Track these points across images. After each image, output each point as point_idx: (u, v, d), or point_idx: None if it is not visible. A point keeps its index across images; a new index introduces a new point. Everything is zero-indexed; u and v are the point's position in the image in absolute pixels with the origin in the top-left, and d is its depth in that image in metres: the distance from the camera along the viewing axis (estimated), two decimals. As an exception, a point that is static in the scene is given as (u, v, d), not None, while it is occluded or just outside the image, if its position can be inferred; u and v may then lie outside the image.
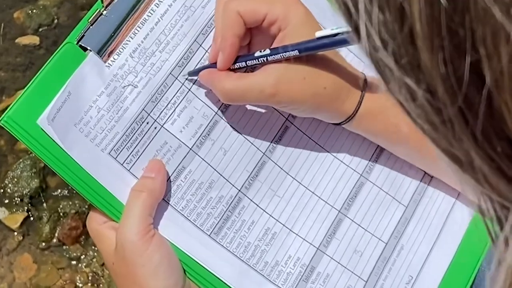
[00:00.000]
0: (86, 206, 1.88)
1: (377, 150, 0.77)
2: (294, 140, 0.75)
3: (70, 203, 1.88)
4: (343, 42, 0.61)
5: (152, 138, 0.69)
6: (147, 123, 0.69)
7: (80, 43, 0.68)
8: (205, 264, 0.68)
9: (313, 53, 0.65)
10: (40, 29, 2.19)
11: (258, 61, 0.66)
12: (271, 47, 0.66)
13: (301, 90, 0.66)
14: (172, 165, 0.69)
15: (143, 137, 0.68)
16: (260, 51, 0.66)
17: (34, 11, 2.22)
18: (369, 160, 0.77)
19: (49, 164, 0.65)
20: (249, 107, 0.73)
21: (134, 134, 0.68)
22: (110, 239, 0.67)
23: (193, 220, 0.69)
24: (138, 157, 0.68)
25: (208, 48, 0.72)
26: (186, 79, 0.71)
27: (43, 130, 0.64)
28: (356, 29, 0.28)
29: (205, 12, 0.72)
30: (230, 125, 0.72)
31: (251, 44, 0.71)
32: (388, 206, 0.76)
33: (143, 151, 0.68)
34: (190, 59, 0.71)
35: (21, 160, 1.92)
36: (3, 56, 2.13)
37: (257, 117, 0.73)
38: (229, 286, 0.69)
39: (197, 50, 0.72)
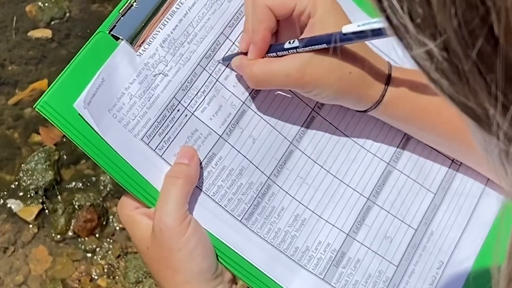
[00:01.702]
0: (101, 199, 1.89)
1: (403, 139, 0.78)
2: (321, 130, 0.75)
3: (85, 195, 1.89)
4: (369, 36, 0.62)
5: (183, 125, 0.70)
6: (178, 110, 0.70)
7: (112, 32, 0.69)
8: (237, 249, 0.69)
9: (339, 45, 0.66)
10: (52, 22, 2.20)
11: (288, 52, 0.67)
12: (300, 38, 0.67)
13: (326, 74, 0.67)
14: (203, 151, 0.70)
15: (174, 124, 0.69)
16: (289, 42, 0.67)
17: (46, 4, 2.22)
18: (396, 148, 0.77)
19: (84, 148, 0.66)
20: (275, 97, 0.74)
21: (166, 121, 0.69)
22: (143, 225, 0.67)
23: (224, 206, 0.70)
24: (170, 143, 0.69)
25: (235, 40, 0.73)
26: (219, 63, 0.72)
27: (79, 114, 0.65)
28: None
29: (231, 6, 0.74)
30: (258, 115, 0.73)
31: (278, 32, 0.72)
32: (417, 193, 0.77)
33: (175, 137, 0.69)
34: (217, 50, 0.73)
35: (35, 153, 1.93)
36: (16, 50, 2.14)
37: (284, 107, 0.74)
38: (260, 271, 0.70)
39: (224, 42, 0.73)
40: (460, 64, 0.28)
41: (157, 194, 0.68)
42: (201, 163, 0.70)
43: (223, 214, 0.70)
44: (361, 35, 0.62)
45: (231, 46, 0.73)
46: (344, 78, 0.68)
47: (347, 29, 0.64)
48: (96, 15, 2.18)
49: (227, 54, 0.73)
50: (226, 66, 0.73)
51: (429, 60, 0.29)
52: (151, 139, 0.68)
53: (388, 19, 0.30)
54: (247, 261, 0.70)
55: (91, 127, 0.66)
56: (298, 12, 0.68)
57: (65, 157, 1.96)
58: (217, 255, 0.68)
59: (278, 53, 0.68)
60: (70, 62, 0.67)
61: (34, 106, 0.66)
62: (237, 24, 0.74)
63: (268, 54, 0.69)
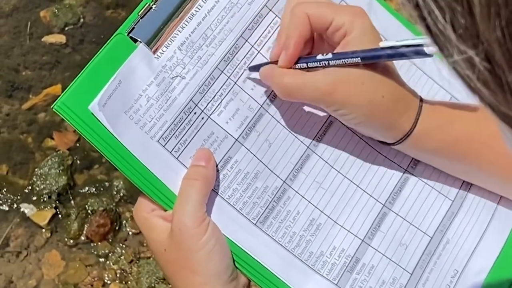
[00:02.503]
0: (114, 204, 1.89)
1: None
2: (338, 135, 0.75)
3: (98, 200, 1.89)
4: (406, 55, 0.61)
5: (200, 128, 0.70)
6: (195, 113, 0.70)
7: (130, 34, 0.69)
8: (251, 252, 0.69)
9: (374, 62, 0.65)
10: (66, 28, 2.21)
11: (320, 64, 0.66)
12: (334, 52, 0.66)
13: (357, 94, 0.66)
14: (219, 154, 0.70)
15: (190, 126, 0.70)
16: (323, 55, 0.66)
17: (60, 10, 2.23)
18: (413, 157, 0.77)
19: (100, 149, 0.66)
20: (293, 102, 0.74)
21: (182, 123, 0.69)
22: (159, 227, 0.68)
23: (240, 209, 0.70)
24: (186, 146, 0.69)
25: (254, 43, 0.73)
26: (243, 69, 0.72)
27: (94, 115, 0.66)
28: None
29: (251, 9, 0.74)
30: (275, 119, 0.73)
31: (312, 53, 0.71)
32: (434, 200, 0.76)
33: (191, 140, 0.70)
34: (236, 54, 0.73)
35: (48, 158, 1.93)
36: (30, 55, 2.15)
37: (301, 112, 0.74)
38: (274, 275, 0.70)
39: (242, 45, 0.73)
40: (504, 75, 0.28)
41: (173, 196, 0.68)
42: (216, 166, 0.70)
43: (238, 217, 0.70)
44: (398, 53, 0.62)
45: (250, 49, 0.73)
46: (375, 101, 0.66)
47: (384, 44, 0.63)
48: (110, 21, 2.19)
49: (254, 63, 0.73)
50: (239, 77, 0.72)
51: (470, 70, 0.29)
52: (168, 141, 0.69)
53: (427, 27, 0.30)
54: (261, 264, 0.69)
55: (106, 128, 0.66)
56: (334, 27, 0.67)
57: (78, 162, 1.96)
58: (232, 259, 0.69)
59: (308, 64, 0.67)
60: (88, 64, 0.67)
61: (52, 107, 0.66)
62: (256, 27, 0.74)
63: (298, 65, 0.68)
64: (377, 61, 0.65)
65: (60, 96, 0.66)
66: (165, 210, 0.68)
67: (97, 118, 0.66)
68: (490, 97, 0.29)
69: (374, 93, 0.66)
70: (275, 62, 0.69)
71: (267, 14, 0.74)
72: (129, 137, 0.67)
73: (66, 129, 2.01)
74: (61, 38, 2.18)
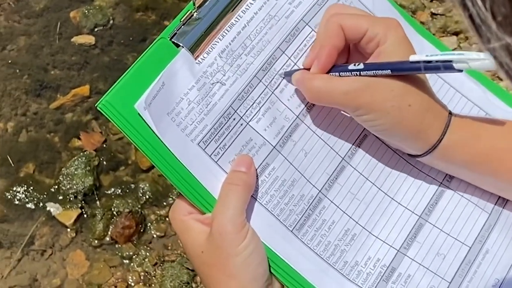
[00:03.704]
0: (139, 206, 1.90)
1: None
2: (373, 148, 0.75)
3: (123, 202, 1.90)
4: (437, 68, 0.61)
5: (239, 134, 0.71)
6: (234, 119, 0.71)
7: (172, 39, 0.70)
8: (287, 259, 0.69)
9: (404, 74, 0.66)
10: (96, 29, 2.22)
11: (351, 74, 0.67)
12: (365, 62, 0.67)
13: (385, 101, 0.66)
14: (257, 160, 0.71)
15: (230, 131, 0.70)
16: (354, 65, 0.67)
17: (91, 11, 2.25)
18: None
19: (142, 149, 0.67)
20: (329, 113, 0.74)
21: (222, 128, 0.70)
22: (197, 230, 0.68)
23: (277, 215, 0.70)
24: (225, 150, 0.70)
25: (291, 55, 0.74)
26: (280, 77, 0.73)
27: (139, 114, 0.66)
28: None
29: (288, 22, 0.75)
30: (311, 129, 0.73)
31: (348, 61, 0.72)
32: (471, 213, 0.76)
33: (230, 145, 0.70)
34: (273, 64, 0.74)
35: (75, 158, 1.95)
36: (59, 55, 2.17)
37: (336, 124, 0.74)
38: (309, 282, 0.70)
39: (280, 57, 0.74)
40: None
41: (212, 199, 0.69)
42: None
43: (275, 223, 0.70)
44: (429, 67, 0.62)
45: (287, 60, 0.74)
46: (402, 109, 0.66)
47: (414, 58, 0.63)
48: (139, 23, 2.21)
49: (288, 69, 0.74)
50: (276, 87, 0.73)
51: (508, 57, 0.29)
52: (207, 145, 0.69)
53: (470, 17, 0.30)
54: (296, 271, 0.70)
55: (150, 128, 0.67)
56: (368, 38, 0.68)
57: (104, 163, 1.97)
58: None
59: (340, 74, 0.68)
60: (132, 65, 0.69)
61: (96, 105, 0.67)
62: (293, 40, 0.75)
63: (330, 73, 0.69)
64: (406, 73, 0.65)
65: (104, 95, 0.67)
66: (203, 213, 0.69)
67: (141, 118, 0.67)
68: None
69: (401, 100, 0.66)
70: (308, 69, 0.71)
71: (304, 27, 0.75)
72: (171, 139, 0.68)
73: (93, 130, 2.03)
74: (90, 39, 2.20)
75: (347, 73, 0.67)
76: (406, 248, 0.73)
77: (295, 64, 0.74)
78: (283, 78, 0.73)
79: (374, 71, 0.65)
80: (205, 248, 0.67)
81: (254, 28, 0.74)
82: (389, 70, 0.65)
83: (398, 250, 0.73)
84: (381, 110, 0.66)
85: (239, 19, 0.73)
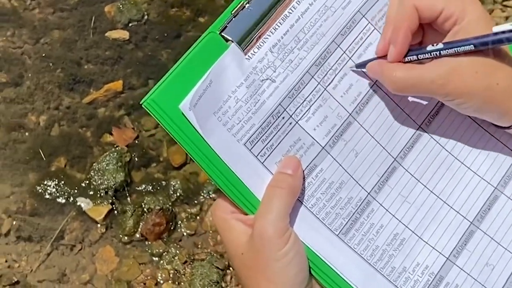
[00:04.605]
0: (170, 203, 1.89)
1: None
2: (427, 149, 0.73)
3: (154, 199, 1.89)
4: None
5: (287, 133, 0.68)
6: (283, 118, 0.68)
7: (222, 33, 0.68)
8: (332, 264, 0.67)
9: (488, 48, 0.63)
10: (130, 24, 2.22)
11: (431, 55, 0.64)
12: (444, 41, 0.64)
13: (472, 84, 0.64)
14: (304, 162, 0.69)
15: (278, 131, 0.68)
16: (433, 45, 0.64)
17: (125, 6, 2.25)
18: (506, 172, 0.74)
19: (186, 149, 0.65)
20: (383, 110, 0.72)
21: (270, 127, 0.68)
22: (238, 230, 0.67)
23: (322, 219, 0.68)
24: (272, 151, 0.68)
25: (346, 49, 0.71)
26: (352, 70, 0.71)
27: (183, 115, 0.64)
28: None
29: (345, 13, 0.72)
30: (363, 128, 0.71)
31: (421, 43, 0.69)
32: None
33: (277, 145, 0.68)
34: (327, 59, 0.71)
35: (107, 153, 1.94)
36: (93, 49, 2.17)
37: (390, 122, 0.72)
38: (353, 287, 0.68)
39: (334, 51, 0.71)
40: None
41: (255, 201, 0.67)
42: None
43: (320, 227, 0.68)
44: None
45: (341, 55, 0.71)
46: (490, 89, 0.64)
47: (498, 28, 0.61)
48: (173, 19, 2.20)
49: (361, 61, 0.71)
50: (329, 83, 0.71)
51: None
52: (254, 145, 0.67)
53: None
54: (340, 275, 0.68)
55: (195, 129, 0.65)
56: (444, 17, 0.65)
57: (136, 159, 1.97)
58: (310, 268, 0.67)
59: (419, 56, 0.66)
60: (179, 61, 0.66)
61: (140, 103, 0.65)
62: (349, 33, 0.72)
63: (408, 57, 0.66)
64: (491, 47, 0.62)
65: (150, 93, 0.65)
66: (246, 214, 0.67)
67: (186, 118, 0.65)
68: None
69: (488, 81, 0.64)
70: (383, 57, 0.68)
71: (360, 20, 0.72)
72: (216, 139, 0.66)
73: (125, 125, 2.02)
74: (124, 34, 2.20)
75: (426, 54, 0.65)
76: (455, 257, 0.71)
77: (350, 58, 0.71)
78: (353, 71, 0.71)
79: (456, 49, 0.63)
80: (246, 250, 0.66)
81: (309, 20, 0.71)
82: (472, 46, 0.62)
83: (447, 258, 0.71)
84: (469, 94, 0.64)
85: (293, 11, 0.70)
